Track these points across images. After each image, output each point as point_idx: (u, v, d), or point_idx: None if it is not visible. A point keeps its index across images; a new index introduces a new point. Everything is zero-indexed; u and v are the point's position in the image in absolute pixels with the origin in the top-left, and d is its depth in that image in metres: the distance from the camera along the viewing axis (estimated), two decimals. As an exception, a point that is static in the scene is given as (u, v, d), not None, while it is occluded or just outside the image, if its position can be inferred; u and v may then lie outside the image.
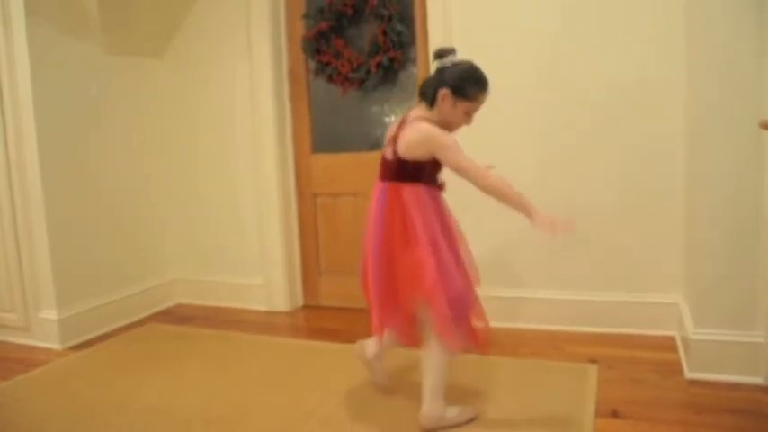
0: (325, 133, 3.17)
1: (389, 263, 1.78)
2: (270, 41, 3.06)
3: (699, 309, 2.10)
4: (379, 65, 2.84)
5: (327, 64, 2.99)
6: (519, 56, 2.61)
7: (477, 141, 2.70)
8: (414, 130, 1.76)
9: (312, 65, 3.08)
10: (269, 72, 3.07)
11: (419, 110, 1.82)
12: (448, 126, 1.80)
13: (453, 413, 1.85)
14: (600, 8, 2.47)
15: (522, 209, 1.74)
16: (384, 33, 2.81)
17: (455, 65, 1.80)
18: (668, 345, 2.37)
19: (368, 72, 2.88)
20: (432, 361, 1.80)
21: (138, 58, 3.21)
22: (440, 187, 1.84)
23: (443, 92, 1.76)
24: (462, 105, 1.78)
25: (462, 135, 2.71)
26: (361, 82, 2.92)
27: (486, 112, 2.64)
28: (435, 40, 2.72)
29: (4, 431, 1.99)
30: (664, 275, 2.48)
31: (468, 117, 1.82)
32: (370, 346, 2.05)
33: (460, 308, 1.76)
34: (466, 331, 1.82)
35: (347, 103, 3.06)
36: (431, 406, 1.81)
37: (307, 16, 3.02)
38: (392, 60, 2.84)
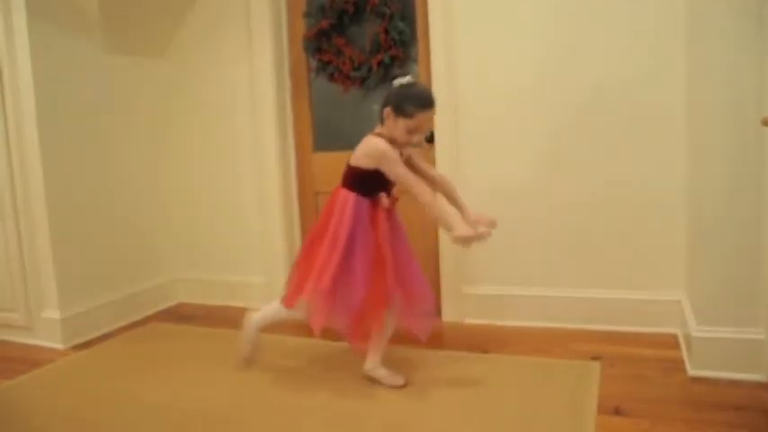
0: (326, 132, 3.17)
1: (307, 250, 2.10)
2: (271, 40, 3.06)
3: (701, 306, 2.11)
4: (380, 63, 2.84)
5: (329, 62, 2.98)
6: (520, 54, 2.61)
7: (479, 139, 2.71)
8: (364, 143, 2.01)
9: (313, 63, 3.07)
10: (270, 71, 3.07)
11: (378, 127, 2.04)
12: (394, 142, 1.98)
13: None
14: (601, 7, 2.47)
15: (446, 226, 1.95)
16: (385, 31, 2.81)
17: (402, 86, 1.98)
18: (670, 342, 2.38)
19: (369, 70, 2.88)
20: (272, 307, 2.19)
21: (139, 58, 3.21)
22: (375, 200, 2.03)
23: (386, 110, 1.96)
24: (402, 122, 1.94)
25: (468, 132, 2.73)
26: (363, 80, 2.92)
27: (488, 109, 2.66)
28: (437, 38, 2.72)
29: (7, 431, 1.99)
30: (666, 273, 2.48)
31: (410, 135, 1.96)
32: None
33: (331, 302, 1.98)
34: (342, 325, 2.07)
35: (349, 101, 3.06)
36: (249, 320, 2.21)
37: (308, 15, 3.02)
38: (393, 58, 2.83)
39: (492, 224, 2.09)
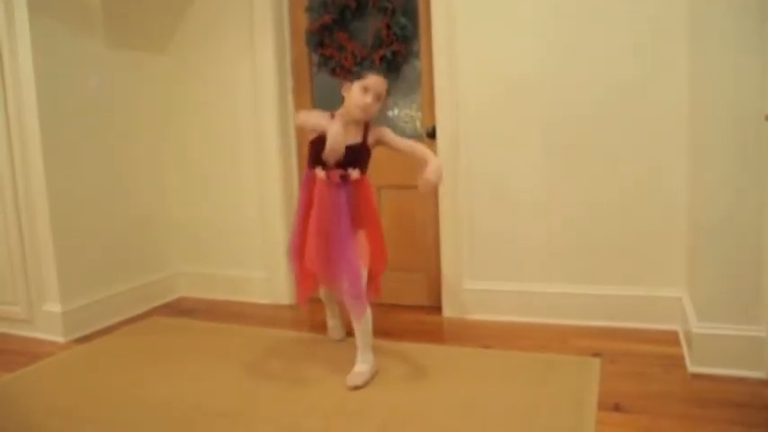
0: (327, 127, 3.17)
1: None
2: (273, 35, 3.05)
3: (702, 303, 2.11)
4: (382, 58, 2.84)
5: (331, 57, 2.98)
6: (521, 52, 2.60)
7: (480, 136, 2.71)
8: None
9: (315, 58, 3.07)
10: (272, 65, 3.06)
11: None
12: (351, 112, 2.14)
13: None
14: (601, 7, 2.46)
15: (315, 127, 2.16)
16: (387, 26, 2.80)
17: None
18: (671, 339, 2.38)
19: (371, 65, 2.88)
20: None
21: (141, 53, 3.20)
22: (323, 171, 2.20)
23: (345, 85, 2.17)
24: (357, 84, 2.12)
25: (469, 128, 2.72)
26: (365, 75, 2.92)
27: (489, 106, 2.66)
28: (439, 33, 2.72)
29: (8, 424, 1.99)
30: (667, 270, 2.48)
31: (364, 95, 2.10)
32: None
33: (293, 260, 2.32)
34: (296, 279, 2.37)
35: (350, 96, 3.05)
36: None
37: (310, 10, 3.01)
38: (395, 53, 2.83)
39: (425, 180, 2.03)
